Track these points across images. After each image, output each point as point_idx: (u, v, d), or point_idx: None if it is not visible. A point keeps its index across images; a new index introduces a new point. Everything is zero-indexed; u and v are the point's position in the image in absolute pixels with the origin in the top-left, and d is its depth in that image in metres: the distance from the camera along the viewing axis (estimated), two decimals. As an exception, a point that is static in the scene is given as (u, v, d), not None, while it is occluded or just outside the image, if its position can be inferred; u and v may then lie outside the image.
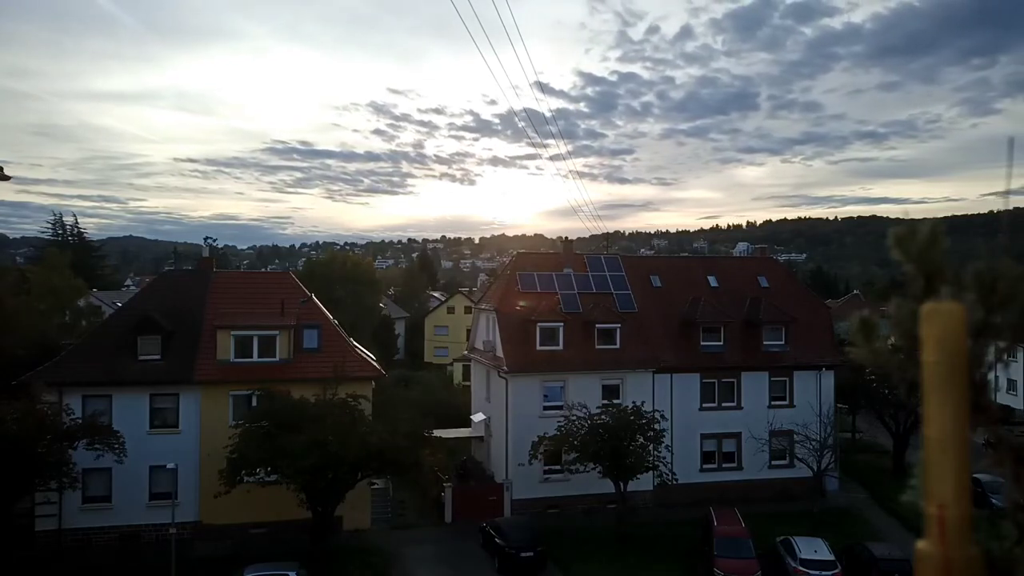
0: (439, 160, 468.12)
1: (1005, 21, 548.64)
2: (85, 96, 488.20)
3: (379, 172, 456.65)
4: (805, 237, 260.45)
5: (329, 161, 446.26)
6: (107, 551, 29.61)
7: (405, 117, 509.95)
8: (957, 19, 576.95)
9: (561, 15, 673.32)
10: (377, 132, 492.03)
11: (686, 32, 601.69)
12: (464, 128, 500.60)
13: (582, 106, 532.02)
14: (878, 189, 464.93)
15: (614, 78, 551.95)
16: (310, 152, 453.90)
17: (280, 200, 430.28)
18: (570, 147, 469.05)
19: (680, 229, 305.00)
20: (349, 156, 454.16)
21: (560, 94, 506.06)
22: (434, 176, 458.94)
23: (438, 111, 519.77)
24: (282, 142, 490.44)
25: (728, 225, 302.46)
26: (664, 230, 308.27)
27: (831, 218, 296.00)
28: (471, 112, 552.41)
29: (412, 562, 29.56)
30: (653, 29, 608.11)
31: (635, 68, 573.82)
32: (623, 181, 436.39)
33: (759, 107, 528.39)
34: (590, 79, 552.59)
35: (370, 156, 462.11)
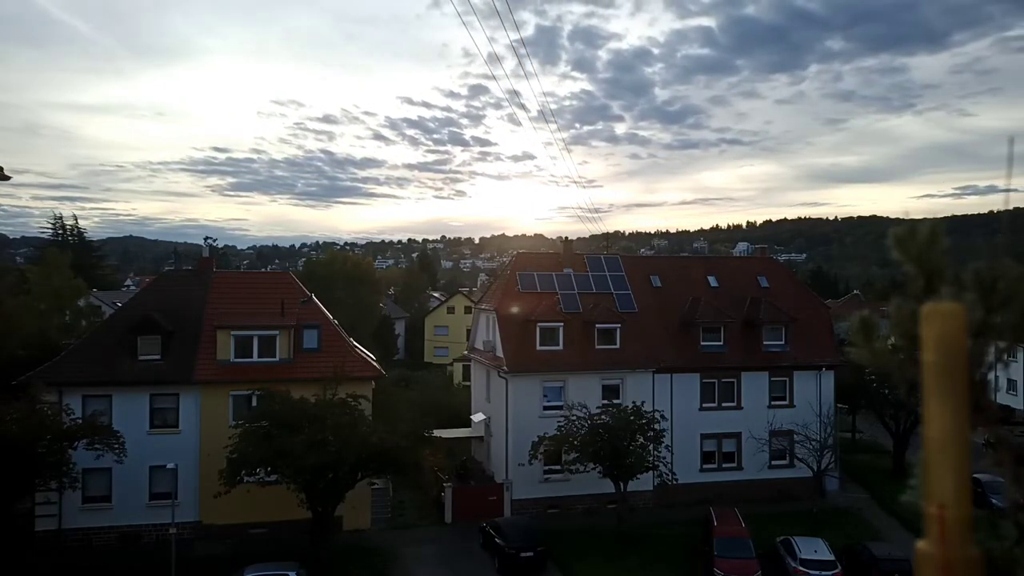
0: (415, 166, 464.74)
1: (788, 42, 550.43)
2: (60, 107, 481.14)
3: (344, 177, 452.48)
4: (805, 237, 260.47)
5: (257, 168, 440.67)
6: (107, 551, 29.60)
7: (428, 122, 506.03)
8: (729, 43, 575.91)
9: (389, 42, 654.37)
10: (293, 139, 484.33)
11: (492, 56, 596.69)
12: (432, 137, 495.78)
13: (456, 116, 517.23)
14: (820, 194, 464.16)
15: (465, 91, 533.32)
16: (288, 162, 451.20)
17: (237, 202, 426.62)
18: (470, 153, 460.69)
19: (619, 231, 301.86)
20: (294, 161, 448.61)
21: (425, 105, 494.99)
22: (418, 180, 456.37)
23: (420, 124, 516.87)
24: (223, 149, 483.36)
25: (728, 225, 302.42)
26: (665, 230, 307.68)
27: (831, 218, 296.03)
28: (464, 117, 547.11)
29: (412, 562, 29.56)
30: (463, 52, 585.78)
31: (479, 82, 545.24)
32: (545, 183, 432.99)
33: (622, 118, 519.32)
34: (449, 93, 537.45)
35: (356, 162, 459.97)
